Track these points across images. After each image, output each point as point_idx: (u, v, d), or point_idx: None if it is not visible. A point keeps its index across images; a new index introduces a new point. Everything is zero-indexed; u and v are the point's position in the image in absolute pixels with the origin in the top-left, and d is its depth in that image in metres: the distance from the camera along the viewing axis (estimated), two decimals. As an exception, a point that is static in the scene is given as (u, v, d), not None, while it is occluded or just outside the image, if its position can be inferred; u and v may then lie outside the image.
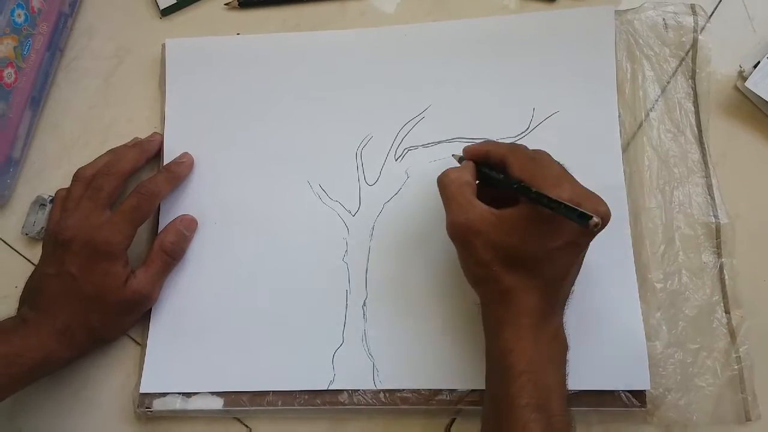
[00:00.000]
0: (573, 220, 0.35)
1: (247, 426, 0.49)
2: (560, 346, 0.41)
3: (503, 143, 0.44)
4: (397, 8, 0.57)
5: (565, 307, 0.42)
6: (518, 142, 0.51)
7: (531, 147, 0.50)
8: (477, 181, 0.44)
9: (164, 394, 0.49)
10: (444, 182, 0.43)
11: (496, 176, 0.42)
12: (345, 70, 0.55)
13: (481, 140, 0.51)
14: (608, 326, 0.47)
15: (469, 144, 0.46)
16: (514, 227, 0.39)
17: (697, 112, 0.51)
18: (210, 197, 0.53)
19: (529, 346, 0.39)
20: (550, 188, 0.37)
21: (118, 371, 0.51)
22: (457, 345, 0.48)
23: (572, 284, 0.42)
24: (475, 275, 0.42)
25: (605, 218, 0.38)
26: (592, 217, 0.34)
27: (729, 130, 0.51)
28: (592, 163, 0.50)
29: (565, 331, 0.41)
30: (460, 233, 0.41)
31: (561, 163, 0.41)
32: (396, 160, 0.53)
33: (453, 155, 0.48)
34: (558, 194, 0.37)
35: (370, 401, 0.48)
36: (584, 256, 0.42)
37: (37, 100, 0.57)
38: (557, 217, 0.37)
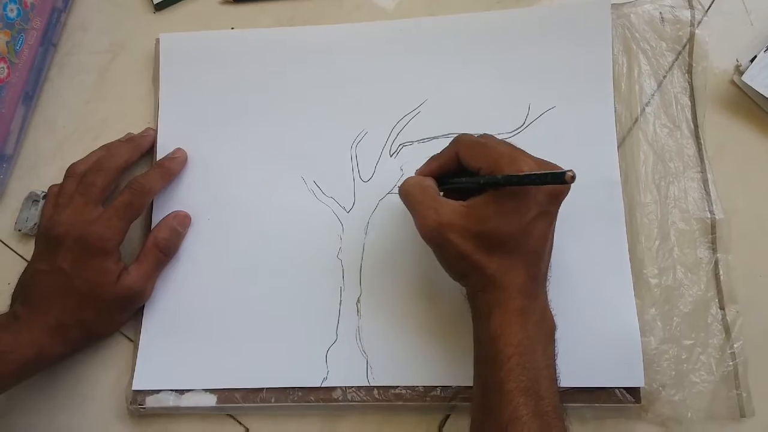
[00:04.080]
0: (548, 184, 0.36)
1: (240, 423, 0.49)
2: (548, 326, 0.41)
3: (446, 147, 0.44)
4: (393, 2, 0.57)
5: (547, 285, 0.42)
6: (514, 138, 0.51)
7: (528, 143, 0.50)
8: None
9: (157, 391, 0.49)
10: (405, 188, 0.43)
11: (459, 181, 0.43)
12: (340, 65, 0.55)
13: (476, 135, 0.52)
14: (602, 322, 0.47)
15: (418, 168, 0.46)
16: (487, 213, 0.39)
17: (693, 107, 0.51)
18: (203, 193, 0.53)
19: (517, 329, 0.39)
20: (508, 167, 0.38)
21: (111, 368, 0.51)
22: (451, 341, 0.48)
23: (549, 258, 0.42)
24: (458, 269, 0.42)
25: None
26: (565, 172, 0.35)
27: (725, 124, 0.51)
28: (587, 159, 0.50)
29: (552, 310, 0.42)
30: (435, 233, 0.41)
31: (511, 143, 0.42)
32: (391, 156, 0.52)
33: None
34: (519, 169, 0.38)
35: (364, 398, 0.47)
36: (554, 227, 0.42)
37: (30, 96, 0.57)
38: (524, 191, 0.38)
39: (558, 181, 0.35)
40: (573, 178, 0.35)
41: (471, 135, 0.43)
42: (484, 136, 0.43)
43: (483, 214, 0.39)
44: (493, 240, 0.39)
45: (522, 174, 0.37)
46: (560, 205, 0.40)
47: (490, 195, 0.39)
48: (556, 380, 0.39)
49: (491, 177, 0.39)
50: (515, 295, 0.39)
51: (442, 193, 0.43)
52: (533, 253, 0.40)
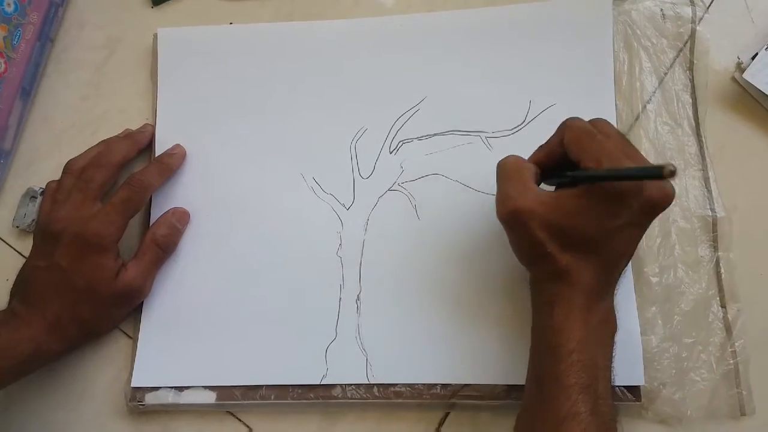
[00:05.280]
0: (639, 179, 0.34)
1: (239, 420, 0.49)
2: (610, 327, 0.40)
3: (554, 133, 0.43)
4: (392, -2, 0.57)
5: (616, 289, 0.41)
6: (514, 136, 0.51)
7: (528, 141, 0.49)
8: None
9: (156, 388, 0.49)
10: (503, 163, 0.42)
11: (562, 177, 0.41)
12: (339, 61, 0.54)
13: (476, 132, 0.51)
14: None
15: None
16: (573, 209, 0.38)
17: (694, 104, 0.51)
18: (202, 189, 0.53)
19: (579, 325, 0.38)
20: (607, 166, 0.37)
21: (110, 365, 0.51)
22: (450, 339, 0.47)
23: (626, 265, 0.41)
24: (529, 256, 0.41)
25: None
26: (662, 167, 0.30)
27: (726, 122, 0.51)
28: (588, 156, 0.49)
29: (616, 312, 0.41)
30: (512, 216, 0.39)
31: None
32: (391, 153, 0.52)
33: None
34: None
35: (363, 395, 0.47)
36: (641, 238, 0.40)
37: (27, 91, 0.57)
38: (618, 196, 0.36)
39: (651, 175, 0.32)
40: (673, 173, 0.30)
41: (581, 120, 0.41)
42: (598, 122, 0.41)
43: (568, 208, 0.38)
44: (572, 236, 0.38)
45: (606, 169, 0.35)
46: (655, 218, 0.39)
47: (582, 191, 0.38)
48: (611, 382, 0.39)
49: (591, 175, 0.37)
50: (580, 293, 0.38)
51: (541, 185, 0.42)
52: (610, 260, 0.39)
